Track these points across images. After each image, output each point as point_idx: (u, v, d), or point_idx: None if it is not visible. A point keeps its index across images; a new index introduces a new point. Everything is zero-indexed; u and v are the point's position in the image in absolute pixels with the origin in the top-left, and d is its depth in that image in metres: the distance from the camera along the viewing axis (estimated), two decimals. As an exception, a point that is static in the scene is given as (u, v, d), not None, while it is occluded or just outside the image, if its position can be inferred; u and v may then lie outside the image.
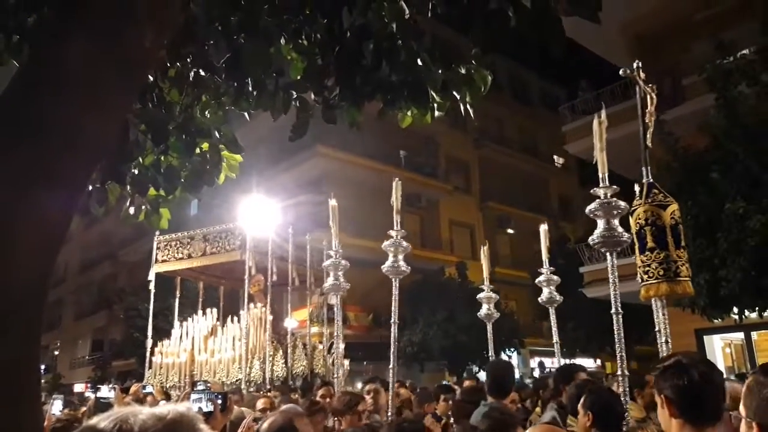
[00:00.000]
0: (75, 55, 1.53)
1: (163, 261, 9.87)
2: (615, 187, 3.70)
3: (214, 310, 10.02)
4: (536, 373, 21.89)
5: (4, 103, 1.62)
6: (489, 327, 6.35)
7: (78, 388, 29.35)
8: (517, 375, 23.65)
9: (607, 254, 3.89)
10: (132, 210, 2.96)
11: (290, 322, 11.34)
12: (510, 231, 28.65)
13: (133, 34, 1.60)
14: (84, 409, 6.21)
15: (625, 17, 13.80)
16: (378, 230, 24.68)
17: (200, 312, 9.93)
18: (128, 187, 2.82)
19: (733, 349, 14.81)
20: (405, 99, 2.98)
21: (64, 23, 1.67)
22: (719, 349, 14.23)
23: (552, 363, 25.92)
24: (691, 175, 9.49)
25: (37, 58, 1.68)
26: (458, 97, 2.95)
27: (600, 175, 3.73)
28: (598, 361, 26.32)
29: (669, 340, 3.74)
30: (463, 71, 3.01)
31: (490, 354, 6.34)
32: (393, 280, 4.53)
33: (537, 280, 5.80)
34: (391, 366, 4.11)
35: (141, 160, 2.83)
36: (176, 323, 9.78)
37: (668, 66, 13.73)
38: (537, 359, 25.77)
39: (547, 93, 34.19)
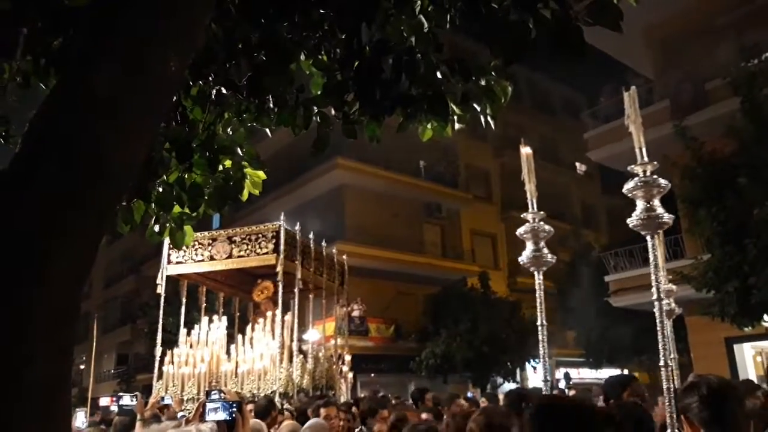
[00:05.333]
0: (102, 80, 1.56)
1: (178, 263, 9.34)
2: None
3: (224, 318, 9.69)
4: (561, 384, 21.57)
5: (34, 127, 1.65)
6: (668, 324, 5.14)
7: (104, 401, 29.71)
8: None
9: None
10: (157, 228, 3.00)
11: (312, 334, 11.34)
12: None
13: (158, 59, 1.63)
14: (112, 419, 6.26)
15: (646, 22, 13.67)
16: (397, 241, 24.70)
17: (205, 318, 9.50)
18: (153, 205, 2.86)
19: (764, 358, 14.47)
20: (425, 112, 2.99)
21: (91, 49, 1.71)
22: (750, 357, 13.92)
23: (578, 374, 25.60)
24: (717, 180, 9.34)
25: (66, 83, 1.71)
26: (479, 109, 2.94)
27: None
28: (626, 372, 25.87)
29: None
30: (483, 83, 3.01)
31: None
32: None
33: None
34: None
35: (165, 177, 2.87)
36: (182, 330, 9.35)
37: (691, 70, 13.56)
38: (563, 370, 25.43)
39: (568, 100, 33.97)
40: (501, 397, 8.99)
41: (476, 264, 24.80)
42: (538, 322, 3.48)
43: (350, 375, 10.87)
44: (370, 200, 22.73)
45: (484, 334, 19.62)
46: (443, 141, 23.72)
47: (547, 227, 3.52)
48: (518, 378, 22.21)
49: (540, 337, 3.51)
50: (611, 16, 2.36)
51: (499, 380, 21.09)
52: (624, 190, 3.14)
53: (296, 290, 8.87)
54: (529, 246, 3.71)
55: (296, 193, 22.74)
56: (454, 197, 25.62)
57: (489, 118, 3.01)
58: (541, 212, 3.70)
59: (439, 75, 2.91)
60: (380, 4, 2.78)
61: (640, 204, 3.08)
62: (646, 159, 3.09)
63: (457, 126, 3.03)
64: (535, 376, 24.59)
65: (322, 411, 4.65)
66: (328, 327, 12.08)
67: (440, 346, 19.85)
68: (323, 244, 10.48)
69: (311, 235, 9.86)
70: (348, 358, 10.88)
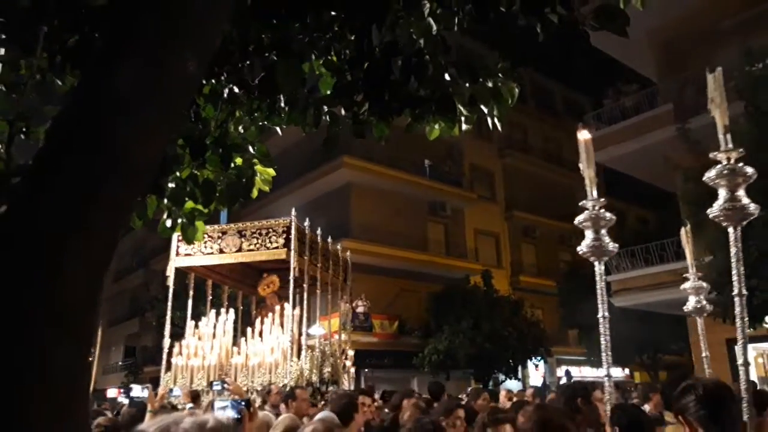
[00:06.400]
0: (123, 80, 1.61)
1: (187, 255, 9.32)
2: None
3: (231, 310, 9.71)
4: (563, 382, 21.63)
5: (57, 124, 1.72)
6: (700, 323, 4.97)
7: (111, 393, 29.90)
8: (541, 383, 23.43)
9: None
10: (169, 222, 3.06)
11: (317, 329, 11.41)
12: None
13: (177, 59, 1.68)
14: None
15: (650, 25, 13.67)
16: (402, 238, 24.75)
17: (212, 312, 9.52)
18: (166, 200, 2.92)
19: (765, 359, 14.49)
20: (433, 113, 3.04)
21: (111, 48, 1.76)
22: (751, 359, 13.95)
23: (579, 372, 25.65)
24: (720, 183, 9.35)
25: (87, 82, 1.77)
26: (486, 110, 2.99)
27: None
28: (627, 371, 25.94)
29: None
30: (490, 85, 3.06)
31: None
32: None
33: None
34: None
35: (178, 173, 2.93)
36: (189, 323, 9.35)
37: (695, 73, 13.56)
38: (564, 368, 25.49)
39: (572, 101, 33.95)
40: (502, 393, 9.05)
41: (479, 262, 24.86)
42: (599, 315, 3.34)
43: (352, 370, 10.96)
44: (376, 198, 22.78)
45: (487, 332, 19.69)
46: (448, 141, 23.87)
47: (608, 215, 3.29)
48: (520, 375, 22.26)
49: (601, 330, 3.33)
50: (618, 21, 2.42)
51: (501, 377, 21.17)
52: (705, 179, 2.95)
53: (305, 285, 8.88)
54: (589, 235, 3.46)
55: (303, 190, 22.81)
56: (458, 196, 25.66)
57: (496, 120, 3.07)
58: (602, 199, 3.43)
59: (447, 77, 2.96)
60: (390, 6, 2.83)
61: (723, 193, 2.86)
62: (730, 145, 2.88)
63: (464, 127, 3.08)
64: (536, 374, 24.66)
65: (359, 398, 4.72)
66: (333, 323, 12.14)
67: (443, 342, 19.94)
68: (329, 240, 10.54)
69: (318, 231, 9.92)
70: (351, 353, 10.95)
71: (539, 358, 22.31)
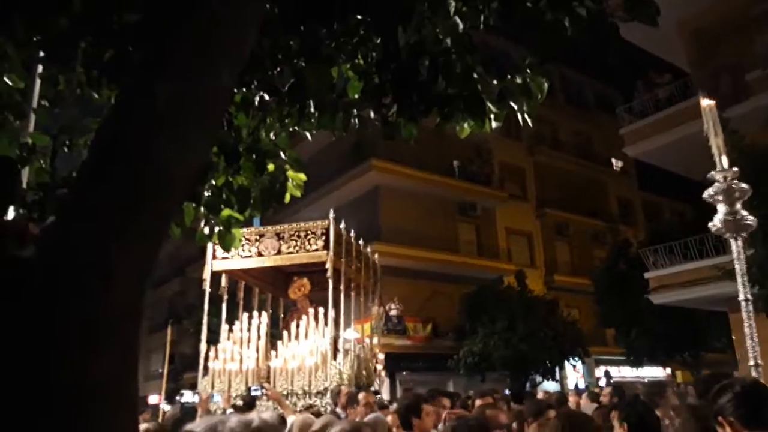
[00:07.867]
0: (161, 94, 1.66)
1: (224, 258, 9.26)
2: None
3: (264, 314, 9.58)
4: (602, 383, 21.25)
5: (99, 138, 1.77)
6: None
7: (152, 399, 30.47)
8: (582, 384, 23.07)
9: None
10: (207, 230, 3.12)
11: (351, 332, 11.45)
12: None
13: (212, 71, 1.72)
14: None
15: (681, 14, 13.41)
16: (433, 240, 24.59)
17: (245, 315, 9.45)
18: (202, 208, 2.98)
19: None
20: (462, 112, 3.04)
21: (148, 63, 1.82)
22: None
23: (618, 371, 25.20)
24: (759, 173, 9.13)
25: (126, 97, 1.82)
26: (515, 107, 2.98)
27: None
28: (668, 370, 25.37)
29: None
30: (519, 81, 3.05)
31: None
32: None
33: None
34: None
35: (213, 181, 3.00)
36: (224, 326, 9.32)
37: (729, 62, 13.24)
38: (602, 368, 25.08)
39: (602, 95, 33.44)
40: (540, 395, 8.94)
41: (512, 262, 24.63)
42: (740, 297, 3.01)
43: (383, 373, 10.97)
44: (405, 200, 22.78)
45: (522, 333, 19.49)
46: (477, 140, 23.77)
47: (743, 185, 3.01)
48: (557, 376, 21.97)
49: (744, 315, 3.00)
50: (648, 11, 2.39)
51: (539, 378, 20.93)
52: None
53: (341, 287, 8.89)
54: (721, 209, 3.14)
55: (332, 195, 22.94)
56: (488, 196, 25.49)
57: (526, 116, 3.05)
58: (734, 168, 3.07)
59: (475, 75, 2.96)
60: (415, 7, 2.84)
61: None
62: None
63: (494, 124, 3.07)
64: (574, 375, 24.31)
65: (439, 399, 4.66)
66: (366, 327, 12.17)
67: (478, 344, 19.79)
68: (360, 242, 10.58)
69: (352, 233, 9.96)
70: (381, 356, 10.94)
71: (577, 358, 21.98)
